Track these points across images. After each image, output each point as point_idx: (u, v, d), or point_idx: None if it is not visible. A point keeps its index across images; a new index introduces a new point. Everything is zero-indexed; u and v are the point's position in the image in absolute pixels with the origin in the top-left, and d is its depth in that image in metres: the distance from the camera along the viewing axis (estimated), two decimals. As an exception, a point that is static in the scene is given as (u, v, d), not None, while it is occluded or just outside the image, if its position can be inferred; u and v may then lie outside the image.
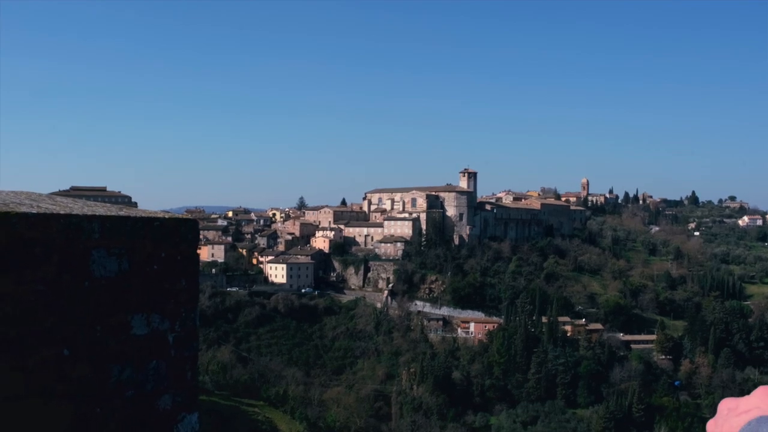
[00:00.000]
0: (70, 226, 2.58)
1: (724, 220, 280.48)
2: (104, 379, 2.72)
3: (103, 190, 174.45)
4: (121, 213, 2.81)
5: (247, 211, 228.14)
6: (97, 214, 2.70)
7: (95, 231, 2.67)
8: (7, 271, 2.38)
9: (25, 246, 2.42)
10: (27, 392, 2.45)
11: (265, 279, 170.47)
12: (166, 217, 2.95)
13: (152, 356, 2.90)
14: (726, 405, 1.58)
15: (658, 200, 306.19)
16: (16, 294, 2.39)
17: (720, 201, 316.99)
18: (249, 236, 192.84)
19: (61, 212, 2.58)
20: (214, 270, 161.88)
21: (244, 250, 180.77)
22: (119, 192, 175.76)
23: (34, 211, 2.48)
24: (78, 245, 2.60)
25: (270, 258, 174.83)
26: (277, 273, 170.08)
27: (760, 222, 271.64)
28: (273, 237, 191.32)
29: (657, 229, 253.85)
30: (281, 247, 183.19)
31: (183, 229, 3.03)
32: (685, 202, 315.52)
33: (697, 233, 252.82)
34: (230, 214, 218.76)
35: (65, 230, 2.56)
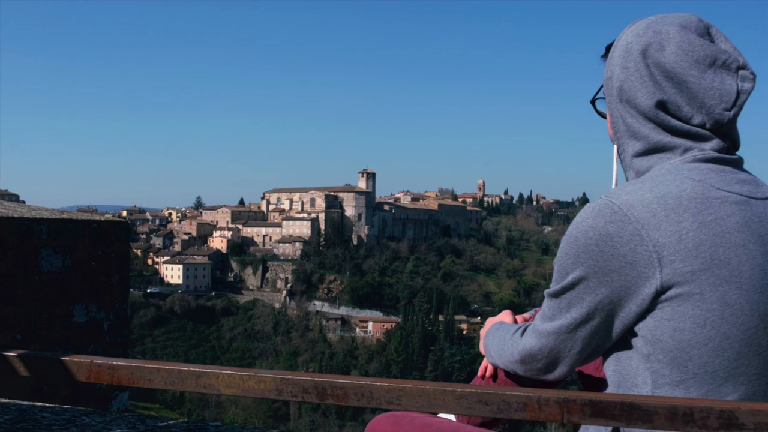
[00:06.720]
0: (22, 228, 2.86)
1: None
2: (50, 361, 3.07)
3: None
4: (64, 216, 3.22)
5: (141, 211, 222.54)
6: (44, 217, 3.04)
7: (43, 232, 2.98)
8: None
9: (-14, 245, 2.65)
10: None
11: (161, 280, 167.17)
12: (102, 219, 3.38)
13: (90, 341, 3.33)
14: (488, 321, 2.21)
15: (551, 201, 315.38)
16: None
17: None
18: (144, 236, 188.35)
19: (15, 215, 2.85)
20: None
21: (139, 251, 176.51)
22: (6, 190, 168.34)
23: (-7, 215, 2.74)
24: (29, 244, 2.90)
25: (166, 258, 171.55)
26: (173, 274, 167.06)
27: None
28: (169, 237, 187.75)
29: (550, 229, 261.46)
30: (177, 248, 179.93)
31: (117, 231, 3.47)
32: (577, 203, 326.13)
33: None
34: (124, 213, 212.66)
35: (18, 231, 2.85)
